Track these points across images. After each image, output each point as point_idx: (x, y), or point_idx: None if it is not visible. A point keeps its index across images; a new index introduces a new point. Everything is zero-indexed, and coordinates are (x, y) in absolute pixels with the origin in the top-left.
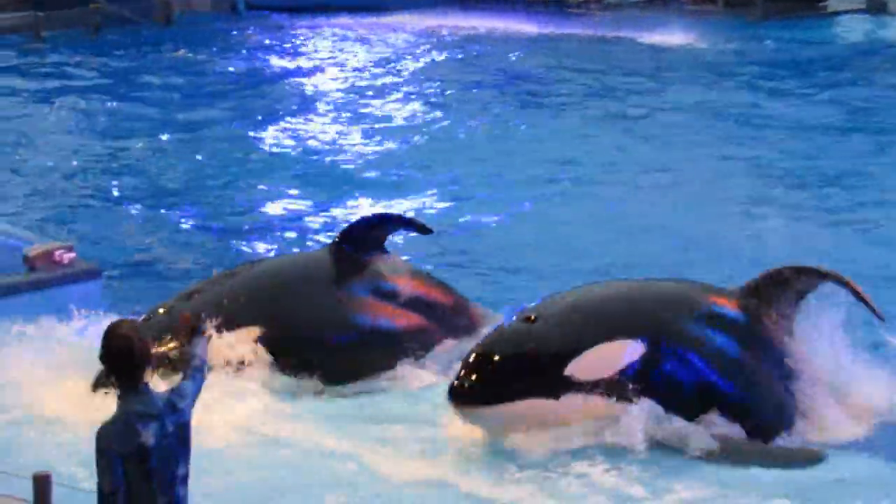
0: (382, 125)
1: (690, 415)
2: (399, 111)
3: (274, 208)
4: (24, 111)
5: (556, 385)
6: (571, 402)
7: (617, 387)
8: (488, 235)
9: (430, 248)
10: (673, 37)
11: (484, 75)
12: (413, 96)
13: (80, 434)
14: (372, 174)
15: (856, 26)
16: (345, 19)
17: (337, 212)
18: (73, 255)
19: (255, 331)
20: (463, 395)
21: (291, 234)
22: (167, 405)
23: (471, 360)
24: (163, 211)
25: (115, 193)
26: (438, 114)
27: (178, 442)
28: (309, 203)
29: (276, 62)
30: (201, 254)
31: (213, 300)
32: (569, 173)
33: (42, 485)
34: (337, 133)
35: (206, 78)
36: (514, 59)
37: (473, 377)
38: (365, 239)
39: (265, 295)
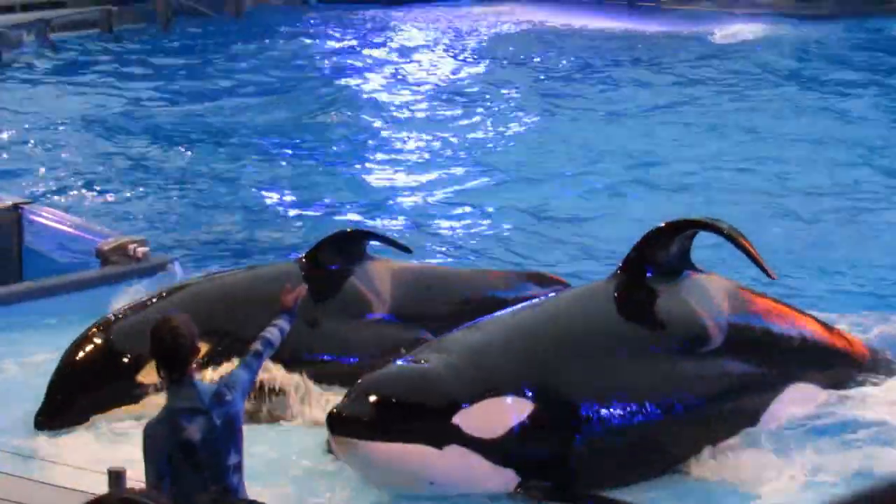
0: (450, 114)
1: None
2: (468, 100)
3: (346, 195)
4: (95, 105)
5: (442, 433)
6: (453, 455)
7: (501, 448)
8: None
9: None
10: (745, 30)
11: (555, 69)
12: (480, 87)
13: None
14: (443, 163)
15: None
16: (416, 11)
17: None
18: (146, 248)
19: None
20: (342, 424)
21: (369, 219)
22: (214, 398)
23: (357, 390)
24: (236, 202)
25: (188, 185)
26: (511, 105)
27: (228, 433)
28: (384, 188)
29: (346, 54)
30: (278, 249)
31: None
32: (640, 165)
33: (116, 480)
34: (410, 123)
35: (276, 70)
36: (587, 52)
37: (357, 408)
38: (338, 251)
39: (221, 310)
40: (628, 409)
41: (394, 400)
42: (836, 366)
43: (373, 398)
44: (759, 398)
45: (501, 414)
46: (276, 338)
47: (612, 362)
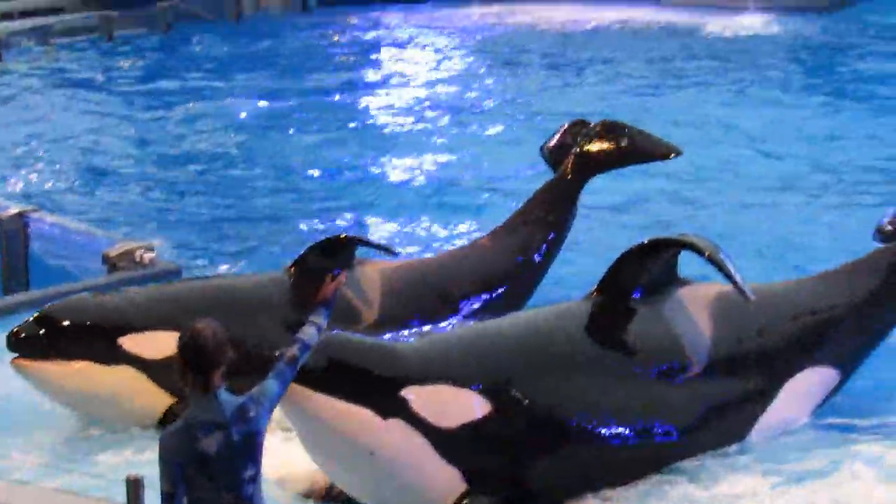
0: (449, 110)
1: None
2: (466, 97)
3: (347, 200)
4: (97, 111)
5: (388, 403)
6: (397, 429)
7: (451, 441)
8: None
9: None
10: (743, 22)
11: (556, 60)
12: (481, 84)
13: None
14: (439, 166)
15: None
16: (418, 12)
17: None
18: (153, 254)
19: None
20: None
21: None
22: (237, 412)
23: (320, 346)
24: (240, 207)
25: (193, 191)
26: (508, 103)
27: (246, 448)
28: (384, 189)
29: (346, 58)
30: (280, 252)
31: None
32: None
33: (135, 487)
34: (412, 126)
35: (276, 74)
36: (585, 50)
37: (315, 361)
38: (330, 257)
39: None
40: (589, 426)
41: (345, 357)
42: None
43: (331, 356)
44: (752, 404)
45: (455, 404)
46: (313, 338)
47: (577, 379)
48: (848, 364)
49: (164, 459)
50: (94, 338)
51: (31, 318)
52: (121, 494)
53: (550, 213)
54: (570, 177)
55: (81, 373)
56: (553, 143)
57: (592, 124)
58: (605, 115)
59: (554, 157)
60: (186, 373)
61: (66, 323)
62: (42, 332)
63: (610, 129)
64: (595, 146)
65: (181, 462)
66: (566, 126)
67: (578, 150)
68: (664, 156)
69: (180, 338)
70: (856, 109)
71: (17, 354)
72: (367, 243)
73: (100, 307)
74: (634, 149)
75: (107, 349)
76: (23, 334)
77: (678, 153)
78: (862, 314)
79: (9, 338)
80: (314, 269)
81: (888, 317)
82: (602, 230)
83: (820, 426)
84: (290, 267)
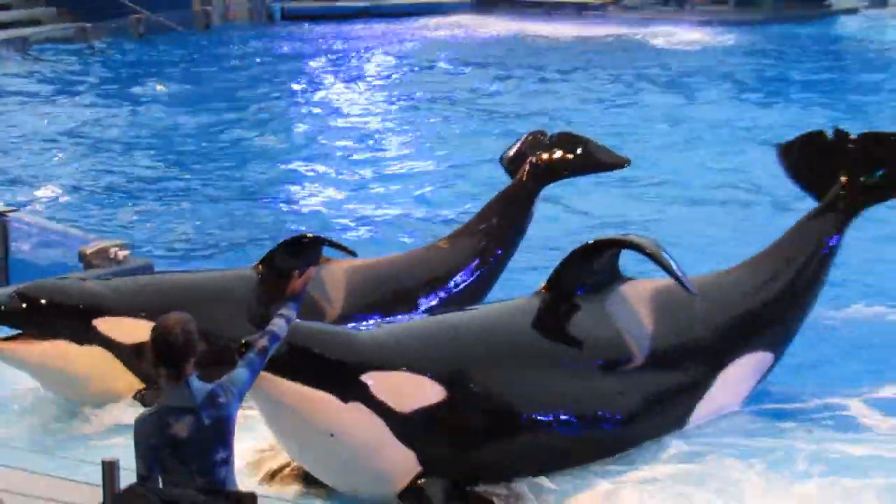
0: (402, 121)
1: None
2: (420, 108)
3: (311, 203)
4: (73, 116)
5: (348, 387)
6: (357, 412)
7: (407, 424)
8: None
9: None
10: (686, 35)
11: (511, 72)
12: (438, 95)
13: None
14: (399, 170)
15: (858, 24)
16: (377, 25)
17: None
18: (126, 252)
19: None
20: None
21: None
22: (207, 399)
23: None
24: (207, 206)
25: (162, 191)
26: (471, 105)
27: (217, 432)
28: (342, 192)
29: (308, 67)
30: (246, 250)
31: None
32: None
33: (110, 470)
34: (366, 131)
35: (241, 82)
36: (540, 57)
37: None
38: (295, 256)
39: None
40: (544, 414)
41: (308, 344)
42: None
43: (294, 343)
44: (692, 391)
45: (412, 390)
46: (282, 329)
47: (526, 369)
48: (780, 345)
49: (138, 443)
50: (70, 318)
51: (9, 294)
52: (97, 477)
53: (507, 218)
54: (526, 184)
55: (56, 350)
56: (511, 152)
57: (549, 135)
58: (562, 118)
59: (512, 165)
60: (159, 364)
61: (43, 301)
62: (22, 306)
63: (564, 141)
64: (550, 156)
65: (154, 445)
66: (524, 137)
67: (534, 159)
68: (613, 166)
69: (153, 331)
70: (785, 109)
71: None
72: (330, 243)
73: (79, 290)
74: (586, 160)
75: (82, 330)
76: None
77: (626, 163)
78: (790, 293)
79: None
80: (281, 266)
81: (812, 292)
82: (555, 232)
83: (751, 411)
84: (259, 264)
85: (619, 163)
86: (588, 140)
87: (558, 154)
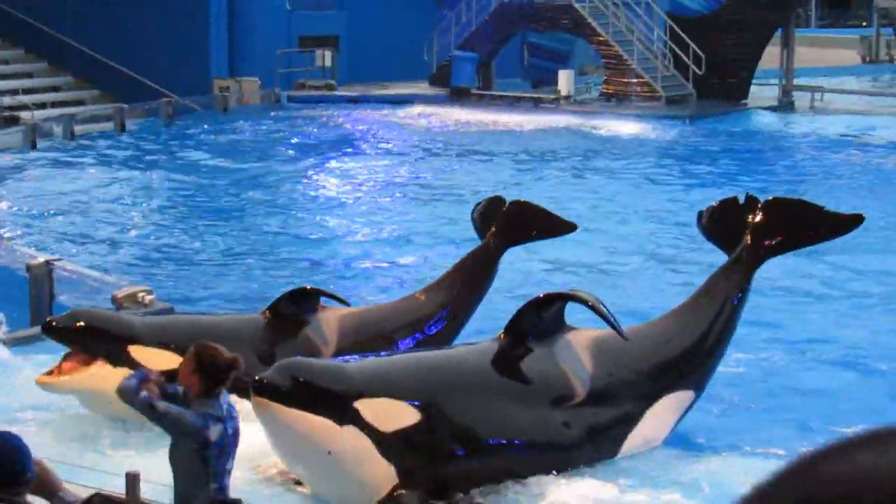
0: (392, 197)
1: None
2: (407, 185)
3: (312, 256)
4: (110, 182)
5: (344, 413)
6: (350, 434)
7: (389, 442)
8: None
9: None
10: (626, 127)
11: (484, 155)
12: (423, 174)
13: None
14: (384, 231)
15: (769, 120)
16: (365, 110)
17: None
18: (152, 296)
19: None
20: (263, 389)
21: (325, 276)
22: (228, 412)
23: (282, 365)
24: (223, 259)
25: (185, 248)
26: (442, 179)
27: (233, 443)
28: (336, 251)
29: (307, 144)
30: (255, 299)
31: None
32: None
33: (133, 481)
34: (360, 201)
35: (254, 155)
36: (503, 143)
37: (279, 378)
38: (298, 304)
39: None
40: (500, 439)
41: (310, 378)
42: (696, 365)
43: (294, 372)
44: (623, 424)
45: (394, 414)
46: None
47: (490, 400)
48: (700, 384)
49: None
50: (110, 342)
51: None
52: (120, 487)
53: (474, 274)
54: (490, 248)
55: (95, 372)
56: (479, 211)
57: (507, 203)
58: (523, 189)
59: (480, 223)
60: (201, 375)
61: (90, 324)
62: (75, 324)
63: (523, 210)
64: (510, 224)
65: (191, 431)
66: (488, 199)
67: (497, 226)
68: (564, 231)
69: (206, 348)
70: (706, 185)
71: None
72: (327, 294)
73: (118, 320)
74: (543, 227)
75: (118, 353)
76: (55, 324)
77: (574, 228)
78: (708, 338)
79: (44, 324)
80: (284, 313)
81: (726, 335)
82: (512, 284)
83: (674, 443)
84: (265, 310)
85: (568, 227)
86: (539, 208)
87: (518, 221)
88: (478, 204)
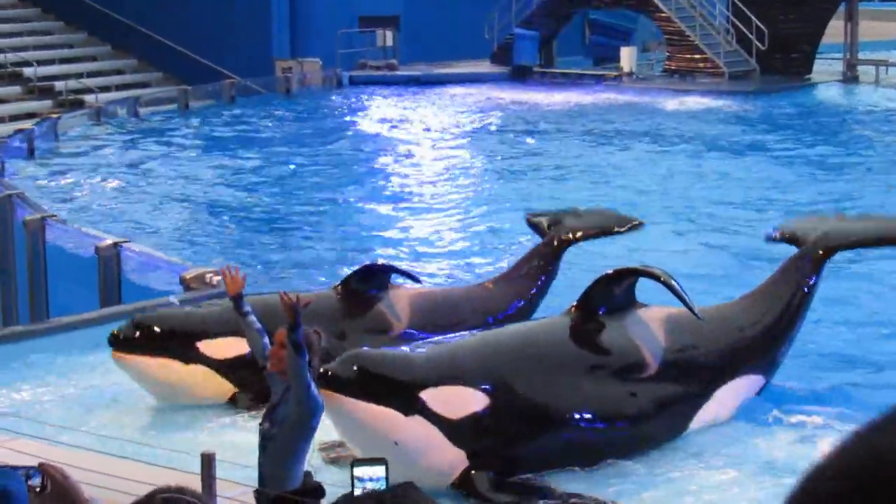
0: (456, 176)
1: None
2: (471, 164)
3: (376, 236)
4: (175, 163)
5: (409, 403)
6: (416, 423)
7: (458, 429)
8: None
9: None
10: (689, 103)
11: (546, 131)
12: (486, 153)
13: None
14: (451, 211)
15: (833, 95)
16: (427, 90)
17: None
18: (219, 276)
19: None
20: (330, 381)
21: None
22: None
23: (348, 356)
24: (288, 240)
25: (253, 227)
26: (506, 160)
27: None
28: (404, 229)
29: (370, 124)
30: (323, 276)
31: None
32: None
33: (208, 462)
34: (424, 178)
35: (317, 136)
36: (565, 120)
37: (345, 370)
38: (369, 280)
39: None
40: (570, 415)
41: (375, 369)
42: (767, 350)
43: (359, 364)
44: (692, 402)
45: (462, 400)
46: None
47: (560, 377)
48: (770, 369)
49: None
50: (176, 340)
51: (128, 322)
52: (196, 468)
53: (539, 269)
54: (553, 245)
55: (164, 367)
56: (537, 219)
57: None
58: (590, 169)
59: (537, 226)
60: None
61: (155, 328)
62: (137, 333)
63: (584, 212)
64: (572, 226)
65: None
66: (550, 215)
67: (560, 228)
68: (627, 229)
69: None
70: (770, 163)
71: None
72: (399, 271)
73: (183, 317)
74: (600, 228)
75: (186, 350)
76: (121, 335)
77: (639, 226)
78: (779, 324)
79: (109, 337)
80: (356, 289)
81: (797, 323)
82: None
83: (742, 421)
84: (337, 286)
85: (633, 225)
86: (598, 210)
87: (577, 224)
88: (535, 213)
